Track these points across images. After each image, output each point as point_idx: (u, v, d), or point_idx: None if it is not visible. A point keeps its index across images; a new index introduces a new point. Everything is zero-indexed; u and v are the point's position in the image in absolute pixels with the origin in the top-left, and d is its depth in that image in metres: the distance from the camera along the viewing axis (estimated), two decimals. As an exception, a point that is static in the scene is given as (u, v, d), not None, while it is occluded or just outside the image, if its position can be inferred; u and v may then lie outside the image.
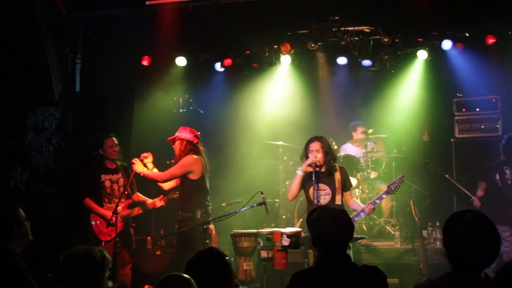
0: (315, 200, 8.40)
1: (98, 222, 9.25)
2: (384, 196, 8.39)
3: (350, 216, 8.01)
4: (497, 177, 9.67)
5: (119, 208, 8.98)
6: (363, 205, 8.35)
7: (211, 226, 8.76)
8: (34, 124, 11.23)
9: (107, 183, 9.42)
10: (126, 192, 9.31)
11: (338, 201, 8.39)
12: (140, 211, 9.37)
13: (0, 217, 5.17)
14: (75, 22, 11.56)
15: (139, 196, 9.61)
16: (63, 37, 11.36)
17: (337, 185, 8.43)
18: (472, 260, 3.55)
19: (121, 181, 9.46)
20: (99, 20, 11.61)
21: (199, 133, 9.32)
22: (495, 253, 3.57)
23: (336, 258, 4.42)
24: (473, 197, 9.94)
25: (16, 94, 10.72)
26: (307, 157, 8.50)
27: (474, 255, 3.54)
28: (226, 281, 4.30)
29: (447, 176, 10.21)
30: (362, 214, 8.31)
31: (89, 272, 4.48)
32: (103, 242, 9.09)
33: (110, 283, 4.69)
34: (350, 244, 8.33)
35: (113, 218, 8.70)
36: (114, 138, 9.50)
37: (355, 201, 8.67)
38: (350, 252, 8.24)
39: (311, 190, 8.49)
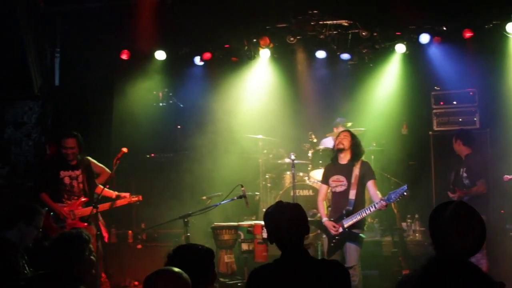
0: (332, 189, 8.70)
1: (49, 217, 9.06)
2: (383, 202, 8.08)
3: (363, 209, 8.05)
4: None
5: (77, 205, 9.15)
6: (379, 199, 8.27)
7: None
8: (14, 118, 11.19)
9: (67, 180, 9.22)
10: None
11: (351, 195, 8.39)
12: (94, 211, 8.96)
13: (15, 208, 5.77)
14: (53, 16, 11.51)
15: (107, 191, 9.36)
16: (41, 31, 11.31)
17: (353, 180, 8.47)
18: (457, 249, 3.59)
19: (81, 177, 9.28)
20: (78, 14, 11.56)
21: None
22: (480, 242, 3.62)
23: (292, 253, 4.38)
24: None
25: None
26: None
27: (459, 244, 3.58)
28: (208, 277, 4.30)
29: None
30: (372, 208, 8.22)
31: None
32: None
33: None
34: (359, 239, 8.34)
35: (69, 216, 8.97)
36: (73, 140, 9.19)
37: (377, 194, 8.47)
38: (359, 249, 8.30)
39: (330, 180, 8.69)
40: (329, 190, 8.83)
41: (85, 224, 8.96)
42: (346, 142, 8.58)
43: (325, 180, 8.84)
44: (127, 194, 9.48)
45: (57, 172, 9.22)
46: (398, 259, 9.55)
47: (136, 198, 9.42)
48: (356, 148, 8.62)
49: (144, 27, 11.51)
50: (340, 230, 8.21)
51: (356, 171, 8.48)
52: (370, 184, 8.50)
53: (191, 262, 4.14)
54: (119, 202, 9.39)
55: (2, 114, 11.15)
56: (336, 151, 8.70)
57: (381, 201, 8.04)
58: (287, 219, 4.41)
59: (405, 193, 7.94)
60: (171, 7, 11.34)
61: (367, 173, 8.54)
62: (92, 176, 9.46)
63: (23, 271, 5.44)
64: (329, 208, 8.76)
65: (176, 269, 3.72)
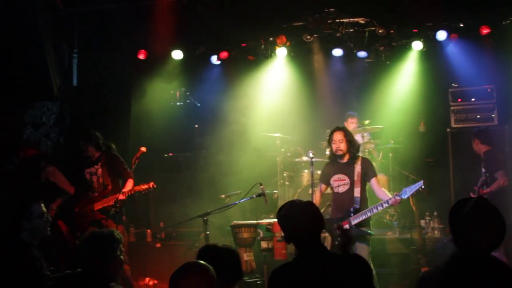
0: (334, 189, 8.58)
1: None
2: (398, 198, 7.90)
3: (375, 205, 7.99)
4: None
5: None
6: (390, 196, 8.12)
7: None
8: (32, 119, 11.23)
9: (87, 176, 9.45)
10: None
11: (356, 193, 8.31)
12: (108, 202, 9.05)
13: (10, 211, 5.52)
14: (71, 16, 11.55)
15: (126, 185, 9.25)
16: (59, 32, 11.36)
17: (355, 177, 8.40)
18: (478, 244, 3.59)
19: (100, 171, 9.38)
20: (95, 15, 11.60)
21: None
22: (500, 237, 3.62)
23: (311, 251, 4.39)
24: None
25: (14, 89, 10.70)
26: (330, 147, 8.64)
27: (479, 239, 3.58)
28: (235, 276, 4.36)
29: None
30: (385, 204, 8.12)
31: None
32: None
33: None
34: (367, 237, 8.30)
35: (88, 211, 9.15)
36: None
37: (383, 191, 8.40)
38: (368, 248, 8.27)
39: (331, 180, 8.60)
40: (329, 190, 8.83)
41: (104, 216, 9.08)
42: (343, 146, 8.46)
43: (323, 179, 8.79)
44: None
45: (82, 171, 9.49)
46: (417, 257, 9.51)
47: (146, 186, 9.01)
48: (352, 146, 8.53)
49: (161, 27, 11.56)
50: (347, 227, 8.16)
51: (357, 168, 8.41)
52: (373, 182, 8.44)
53: (220, 259, 4.19)
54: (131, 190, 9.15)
55: (21, 114, 11.21)
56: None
57: (396, 196, 7.90)
58: (302, 218, 4.43)
59: (420, 189, 7.79)
60: (187, 7, 11.36)
61: (369, 170, 8.48)
62: (114, 169, 9.42)
63: (46, 272, 5.45)
64: (330, 207, 8.75)
65: (203, 263, 3.75)
